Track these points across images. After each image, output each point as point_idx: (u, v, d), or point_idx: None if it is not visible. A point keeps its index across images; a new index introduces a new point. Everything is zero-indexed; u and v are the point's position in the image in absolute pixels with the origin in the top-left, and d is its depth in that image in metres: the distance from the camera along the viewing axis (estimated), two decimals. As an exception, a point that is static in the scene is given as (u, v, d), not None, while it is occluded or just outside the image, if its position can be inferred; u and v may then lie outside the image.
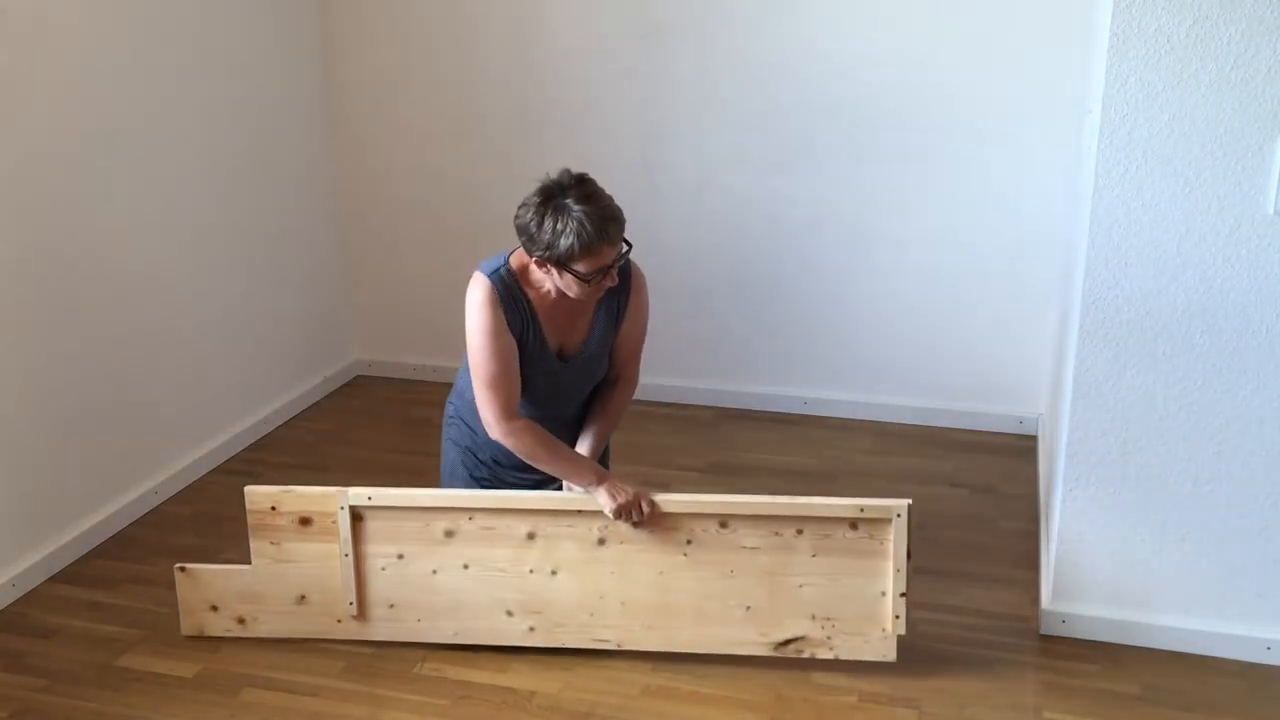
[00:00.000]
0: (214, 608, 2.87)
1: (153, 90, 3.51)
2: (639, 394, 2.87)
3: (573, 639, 2.77)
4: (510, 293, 2.52)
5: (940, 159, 3.86)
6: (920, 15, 3.74)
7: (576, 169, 2.48)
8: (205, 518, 3.54)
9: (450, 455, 2.84)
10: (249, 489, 2.78)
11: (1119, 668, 2.76)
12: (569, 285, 2.46)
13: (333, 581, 2.79)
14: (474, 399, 2.60)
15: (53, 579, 3.20)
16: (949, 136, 3.83)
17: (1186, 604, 2.78)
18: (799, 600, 2.68)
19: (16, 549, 3.13)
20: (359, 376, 4.71)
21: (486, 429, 2.60)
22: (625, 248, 2.48)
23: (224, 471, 3.86)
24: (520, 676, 2.74)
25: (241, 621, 2.86)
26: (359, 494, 2.74)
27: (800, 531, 2.64)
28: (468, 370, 2.64)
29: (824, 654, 2.71)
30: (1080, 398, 2.70)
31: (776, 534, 2.65)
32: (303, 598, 2.83)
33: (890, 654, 2.68)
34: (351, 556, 2.76)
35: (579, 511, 2.68)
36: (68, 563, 3.26)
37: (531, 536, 2.71)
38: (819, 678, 2.71)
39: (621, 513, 2.62)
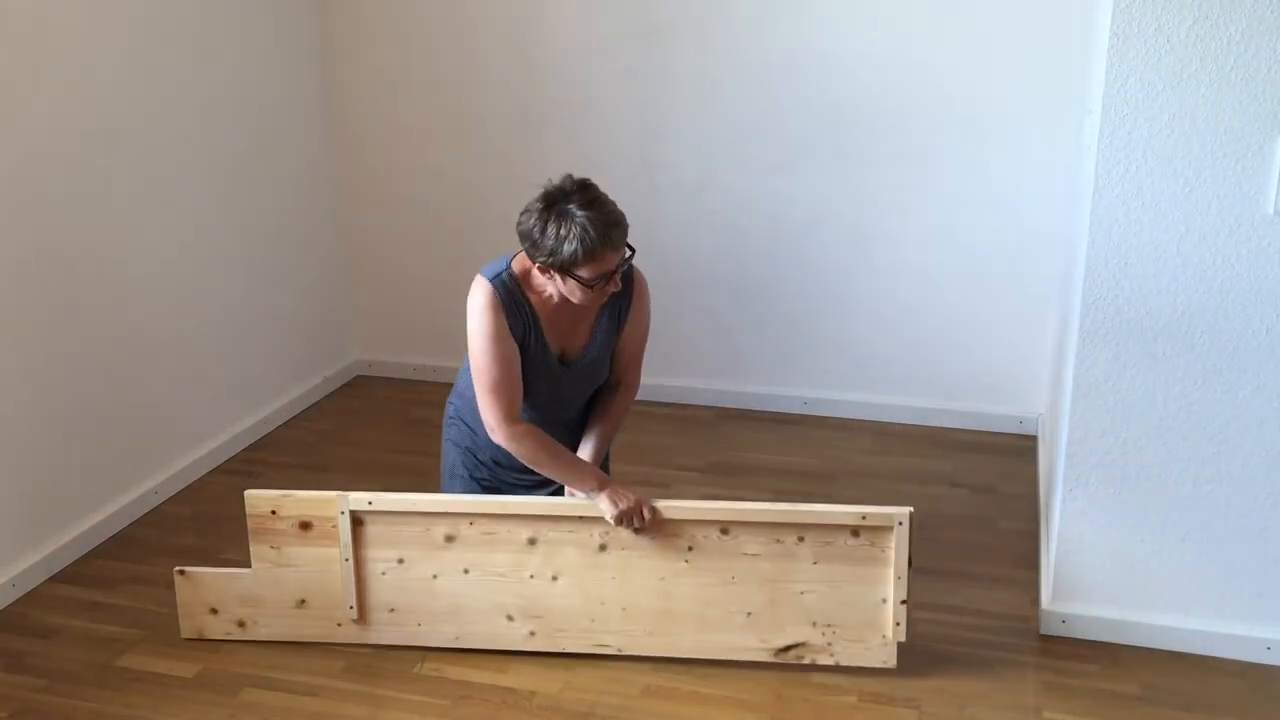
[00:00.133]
0: (214, 611, 2.87)
1: (153, 90, 3.51)
2: (639, 394, 2.86)
3: (573, 644, 2.77)
4: (512, 297, 2.52)
5: (940, 159, 3.86)
6: (920, 15, 3.74)
7: (576, 169, 2.48)
8: (205, 518, 3.54)
9: (450, 456, 2.84)
10: (249, 493, 2.78)
11: (1119, 668, 2.76)
12: (572, 291, 2.45)
13: (333, 585, 2.79)
14: (474, 399, 2.60)
15: (53, 579, 3.20)
16: (949, 136, 3.83)
17: (1186, 604, 2.78)
18: (800, 607, 2.68)
19: (16, 549, 3.13)
20: (359, 376, 4.71)
21: (489, 433, 2.60)
22: (628, 253, 2.47)
23: (224, 471, 3.86)
24: (520, 677, 2.74)
25: (241, 625, 2.86)
26: (359, 499, 2.74)
27: (801, 538, 2.64)
28: (468, 371, 2.64)
29: (824, 660, 2.71)
30: (1080, 398, 2.70)
31: (778, 541, 2.65)
32: (303, 601, 2.82)
33: (891, 661, 2.69)
34: (352, 561, 2.76)
35: (580, 517, 2.68)
36: (68, 563, 3.26)
37: (533, 542, 2.71)
38: (819, 678, 2.71)
39: (623, 519, 2.62)
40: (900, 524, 2.59)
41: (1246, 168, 2.44)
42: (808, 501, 3.50)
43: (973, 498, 3.63)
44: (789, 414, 4.27)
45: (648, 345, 2.79)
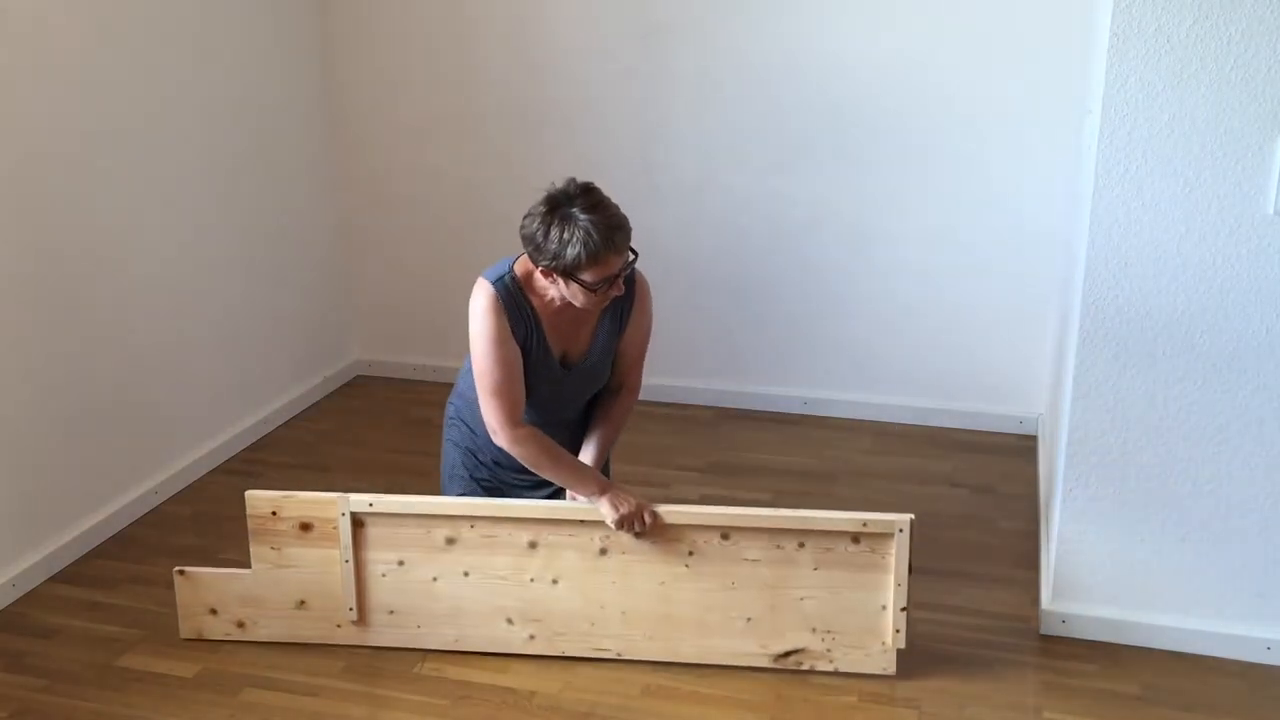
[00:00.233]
0: (213, 611, 2.86)
1: (153, 90, 3.51)
2: (639, 395, 2.86)
3: (573, 648, 2.77)
4: (514, 300, 2.52)
5: (940, 159, 3.86)
6: (920, 15, 3.74)
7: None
8: (205, 518, 3.54)
9: (451, 456, 2.83)
10: (250, 493, 2.78)
11: (1119, 668, 2.76)
12: (575, 294, 2.45)
13: (333, 587, 2.79)
14: (475, 400, 2.60)
15: (53, 579, 3.20)
16: (949, 136, 3.83)
17: (1186, 604, 2.78)
18: (800, 613, 2.68)
19: (16, 549, 3.13)
20: (359, 376, 4.71)
21: (491, 436, 2.60)
22: (631, 257, 2.47)
23: (224, 471, 3.86)
24: (520, 676, 2.74)
25: (241, 625, 2.86)
26: (360, 500, 2.74)
27: (802, 544, 2.64)
28: (469, 372, 2.64)
29: (824, 666, 2.71)
30: (1080, 398, 2.70)
31: (778, 546, 2.65)
32: (302, 603, 2.82)
33: (890, 667, 2.69)
34: (352, 562, 2.76)
35: (581, 521, 2.68)
36: (68, 563, 3.26)
37: (533, 545, 2.71)
38: (819, 678, 2.71)
39: (624, 523, 2.61)
40: (901, 531, 2.59)
41: (1246, 168, 2.44)
42: (807, 501, 3.53)
43: (972, 498, 3.63)
44: (789, 414, 4.26)
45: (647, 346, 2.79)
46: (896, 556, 2.61)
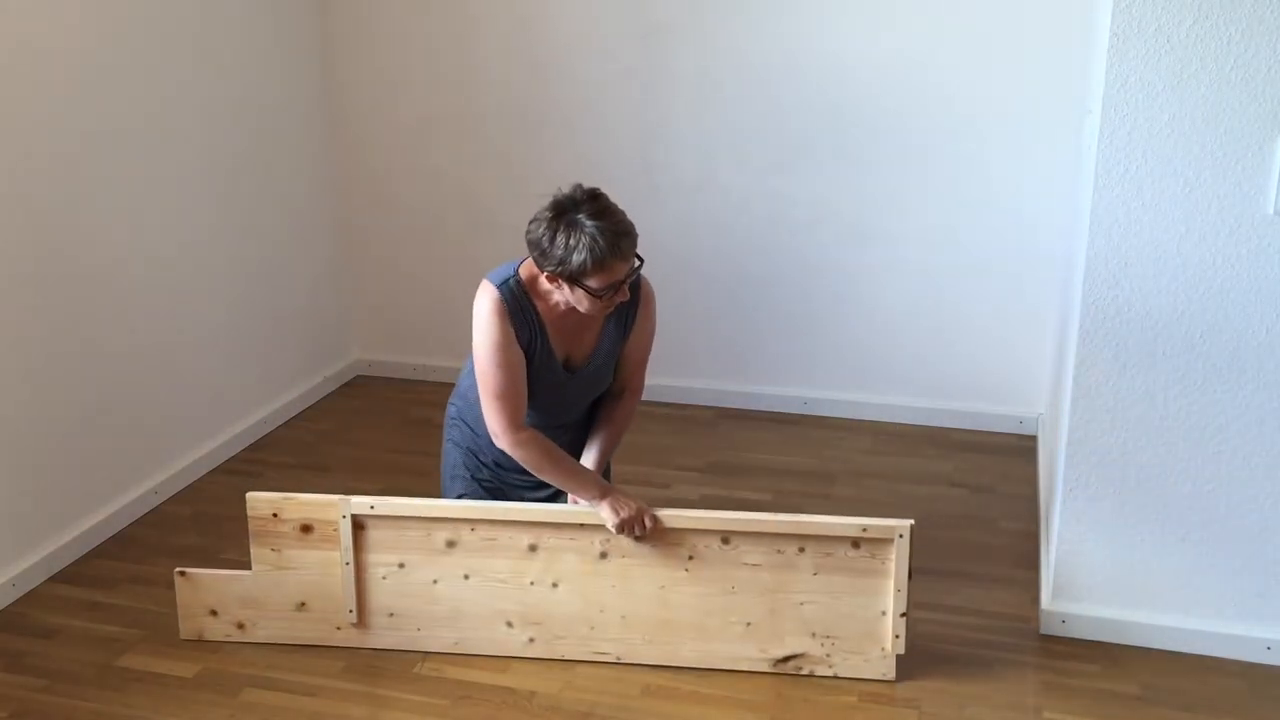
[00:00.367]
0: (213, 612, 2.86)
1: (153, 90, 3.51)
2: (639, 395, 2.87)
3: (572, 651, 2.77)
4: (519, 304, 2.52)
5: (940, 159, 3.86)
6: (920, 15, 3.74)
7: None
8: (205, 518, 3.54)
9: (451, 456, 2.84)
10: (250, 495, 2.78)
11: (1119, 668, 2.76)
12: (580, 300, 2.45)
13: (333, 589, 2.79)
14: (477, 401, 2.60)
15: (53, 579, 3.20)
16: (949, 136, 3.83)
17: (1186, 604, 2.78)
18: (799, 618, 2.68)
19: (16, 549, 3.13)
20: (359, 376, 4.71)
21: (493, 438, 2.60)
22: (637, 263, 2.47)
23: (224, 471, 3.86)
24: (520, 677, 2.74)
25: (241, 627, 2.86)
26: (361, 502, 2.74)
27: (802, 549, 2.64)
28: (470, 372, 2.64)
29: (823, 671, 2.71)
30: (1080, 398, 2.70)
31: (778, 551, 2.65)
32: (303, 604, 2.82)
33: (890, 673, 2.69)
34: (352, 564, 2.76)
35: (581, 524, 2.68)
36: (68, 563, 3.26)
37: (533, 548, 2.71)
38: (819, 678, 2.71)
39: (624, 527, 2.61)
40: (901, 536, 2.59)
41: (1246, 168, 2.44)
42: (807, 501, 3.53)
43: (972, 498, 3.63)
44: (789, 414, 4.26)
45: (647, 346, 2.79)
46: (896, 562, 2.61)
